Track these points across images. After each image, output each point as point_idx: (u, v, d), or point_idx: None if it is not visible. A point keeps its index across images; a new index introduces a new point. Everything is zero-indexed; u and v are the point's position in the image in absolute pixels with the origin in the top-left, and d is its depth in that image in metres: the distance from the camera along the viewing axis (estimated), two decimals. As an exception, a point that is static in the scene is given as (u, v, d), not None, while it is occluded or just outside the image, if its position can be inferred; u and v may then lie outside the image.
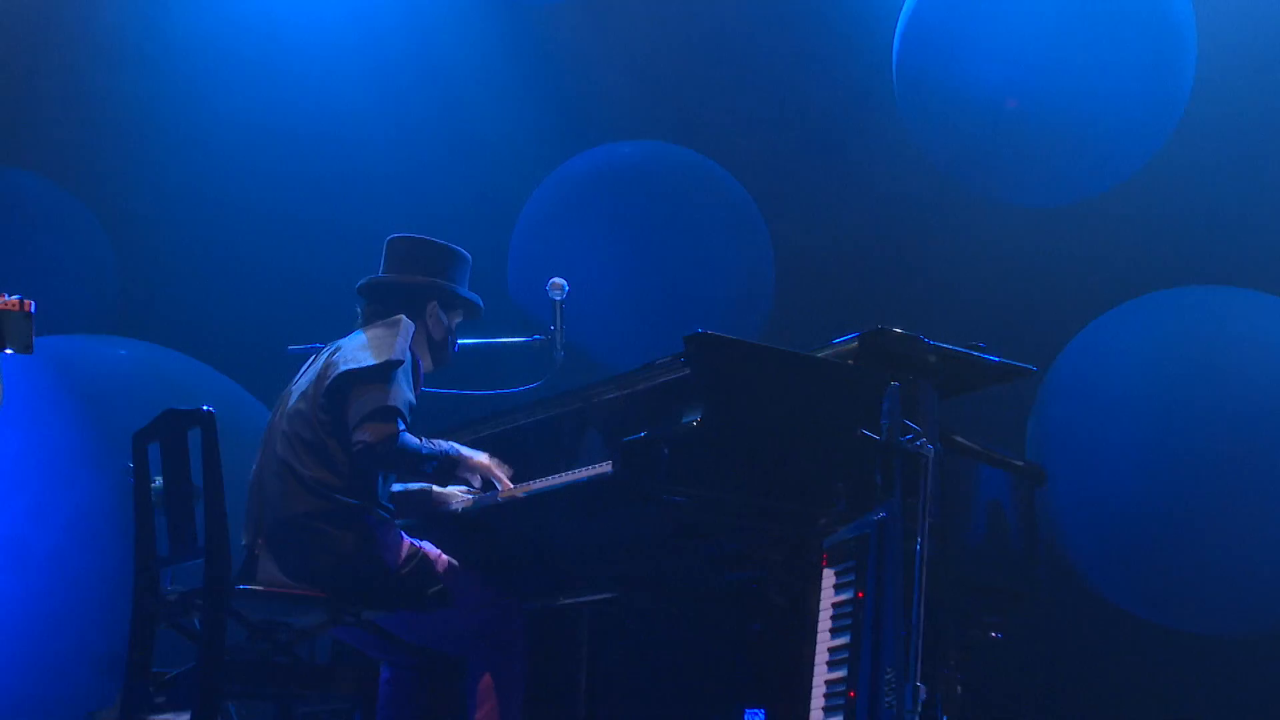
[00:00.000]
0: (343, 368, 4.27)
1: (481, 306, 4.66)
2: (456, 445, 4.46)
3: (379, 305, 4.52)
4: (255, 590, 4.19)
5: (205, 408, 4.12)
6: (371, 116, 7.21)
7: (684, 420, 4.03)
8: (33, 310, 3.41)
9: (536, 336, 4.92)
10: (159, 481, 4.35)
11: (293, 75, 7.17)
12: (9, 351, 3.41)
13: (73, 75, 6.89)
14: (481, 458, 4.45)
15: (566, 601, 4.55)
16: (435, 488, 4.61)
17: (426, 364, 4.58)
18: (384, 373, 4.25)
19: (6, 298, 3.38)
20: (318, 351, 4.56)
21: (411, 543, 4.33)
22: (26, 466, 6.07)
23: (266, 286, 6.93)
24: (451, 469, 4.39)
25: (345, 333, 4.55)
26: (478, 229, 7.02)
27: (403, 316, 4.41)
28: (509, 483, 4.44)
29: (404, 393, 4.28)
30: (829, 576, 3.73)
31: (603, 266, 7.01)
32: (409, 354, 4.35)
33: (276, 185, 7.09)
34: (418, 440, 4.30)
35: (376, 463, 4.23)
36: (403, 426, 4.24)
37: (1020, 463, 4.94)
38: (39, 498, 6.04)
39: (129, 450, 4.43)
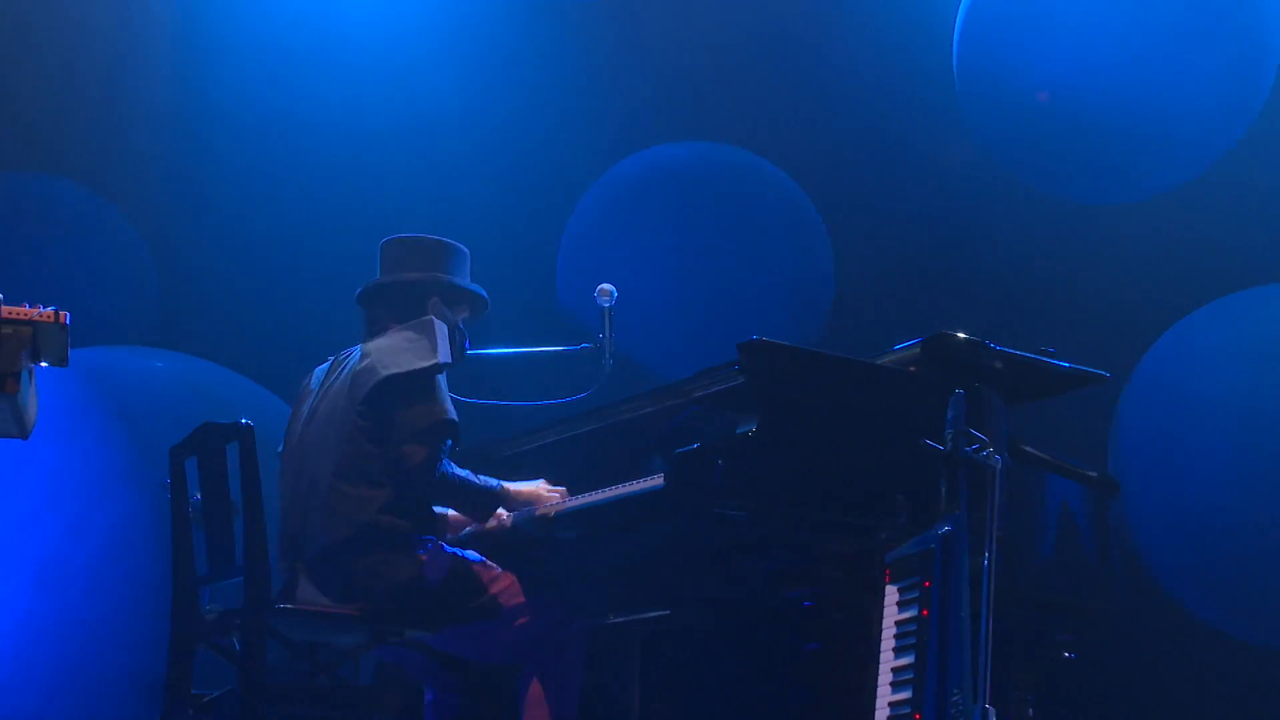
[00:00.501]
0: (383, 373, 4.25)
1: (485, 298, 4.63)
2: (503, 483, 4.42)
3: (381, 310, 4.50)
4: (296, 609, 4.21)
5: (244, 421, 4.15)
6: (415, 124, 7.23)
7: (738, 431, 4.04)
8: (68, 322, 3.47)
9: (584, 345, 4.92)
10: (197, 497, 4.39)
11: (335, 85, 7.21)
12: (44, 365, 3.48)
13: (112, 82, 6.98)
14: (527, 487, 4.43)
15: (618, 619, 4.57)
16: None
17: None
18: (430, 379, 4.25)
19: (42, 309, 3.45)
20: (340, 358, 4.54)
21: (455, 553, 4.33)
22: (63, 482, 6.15)
23: (306, 298, 6.98)
24: (491, 505, 4.37)
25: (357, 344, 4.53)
26: (526, 235, 7.06)
27: (432, 317, 4.39)
28: (554, 496, 4.43)
29: (449, 406, 4.28)
30: (891, 593, 3.72)
31: (654, 272, 7.01)
32: (450, 356, 4.35)
33: (317, 196, 7.13)
34: (463, 471, 4.31)
35: (419, 484, 4.25)
36: (449, 446, 4.24)
37: (1093, 473, 4.91)
38: (76, 514, 6.11)
39: (166, 465, 4.47)
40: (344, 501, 4.25)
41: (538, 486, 4.45)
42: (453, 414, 4.26)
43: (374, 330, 4.51)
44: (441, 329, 4.37)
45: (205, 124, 7.06)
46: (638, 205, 7.28)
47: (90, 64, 6.98)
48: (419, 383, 4.24)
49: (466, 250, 4.67)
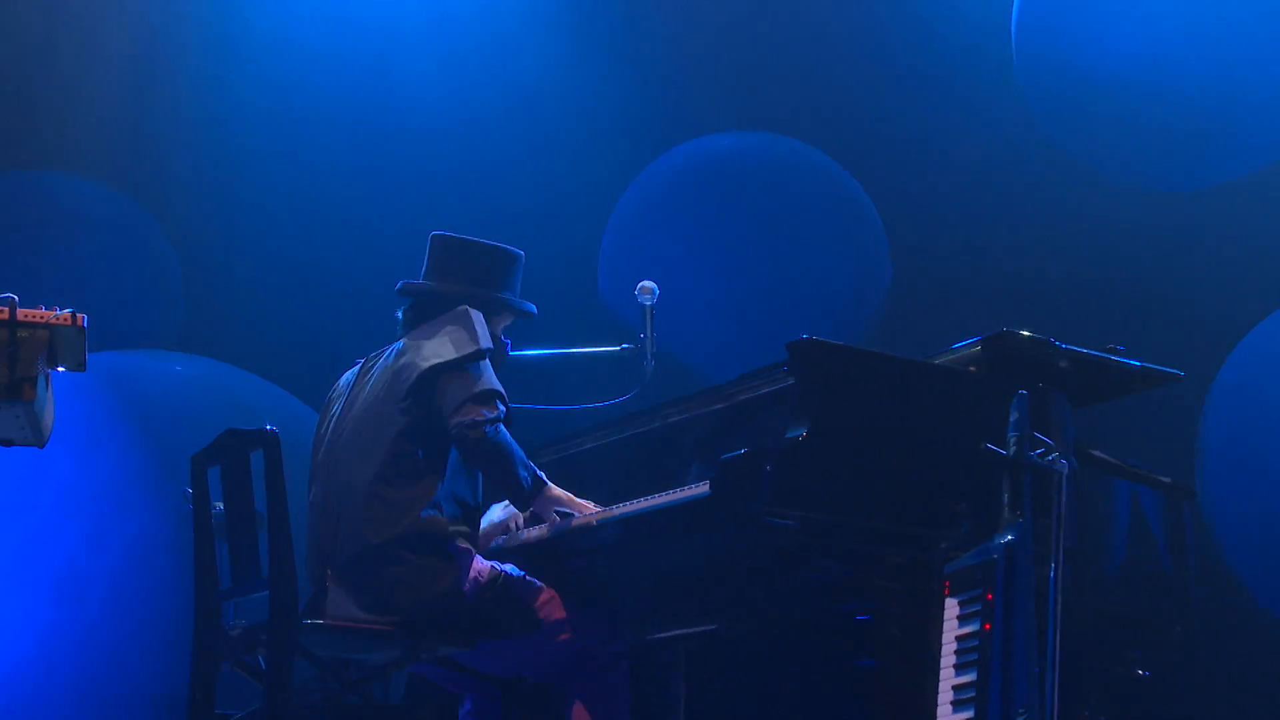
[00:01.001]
0: (424, 365, 4.30)
1: (534, 314, 4.67)
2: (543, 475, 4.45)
3: (420, 309, 4.54)
4: (324, 624, 4.23)
5: (269, 427, 4.16)
6: (451, 115, 7.27)
7: (788, 435, 4.04)
8: (85, 325, 3.47)
9: (625, 345, 4.93)
10: (220, 507, 4.41)
11: (370, 79, 7.26)
12: (61, 370, 3.49)
13: (138, 80, 7.09)
14: (564, 494, 4.45)
15: (662, 635, 4.56)
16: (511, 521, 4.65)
17: None
18: (474, 361, 4.30)
19: (59, 312, 3.46)
20: (369, 361, 4.57)
21: (493, 566, 4.35)
22: (80, 493, 6.20)
23: (335, 299, 7.02)
24: (535, 489, 4.39)
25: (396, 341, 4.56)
26: (566, 229, 7.07)
27: (468, 307, 4.44)
28: (590, 507, 4.45)
29: (496, 381, 4.33)
30: (952, 607, 3.71)
31: (700, 268, 7.02)
32: (493, 342, 4.40)
33: (350, 193, 7.18)
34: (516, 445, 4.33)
35: (477, 447, 4.25)
36: (504, 410, 4.28)
37: (1166, 479, 4.88)
38: (94, 525, 6.16)
39: (187, 474, 4.48)
40: (381, 506, 4.27)
41: (569, 496, 4.46)
42: (498, 386, 4.30)
43: (411, 323, 4.55)
44: (478, 316, 4.41)
45: (234, 119, 7.14)
46: (683, 199, 7.29)
47: (118, 62, 7.08)
48: (463, 364, 4.29)
49: (521, 254, 4.69)
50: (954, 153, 7.18)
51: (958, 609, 3.70)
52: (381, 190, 7.20)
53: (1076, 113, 6.83)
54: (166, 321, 7.08)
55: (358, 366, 4.63)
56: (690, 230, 7.18)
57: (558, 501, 4.44)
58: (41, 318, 3.43)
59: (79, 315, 3.45)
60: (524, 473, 4.35)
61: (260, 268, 7.16)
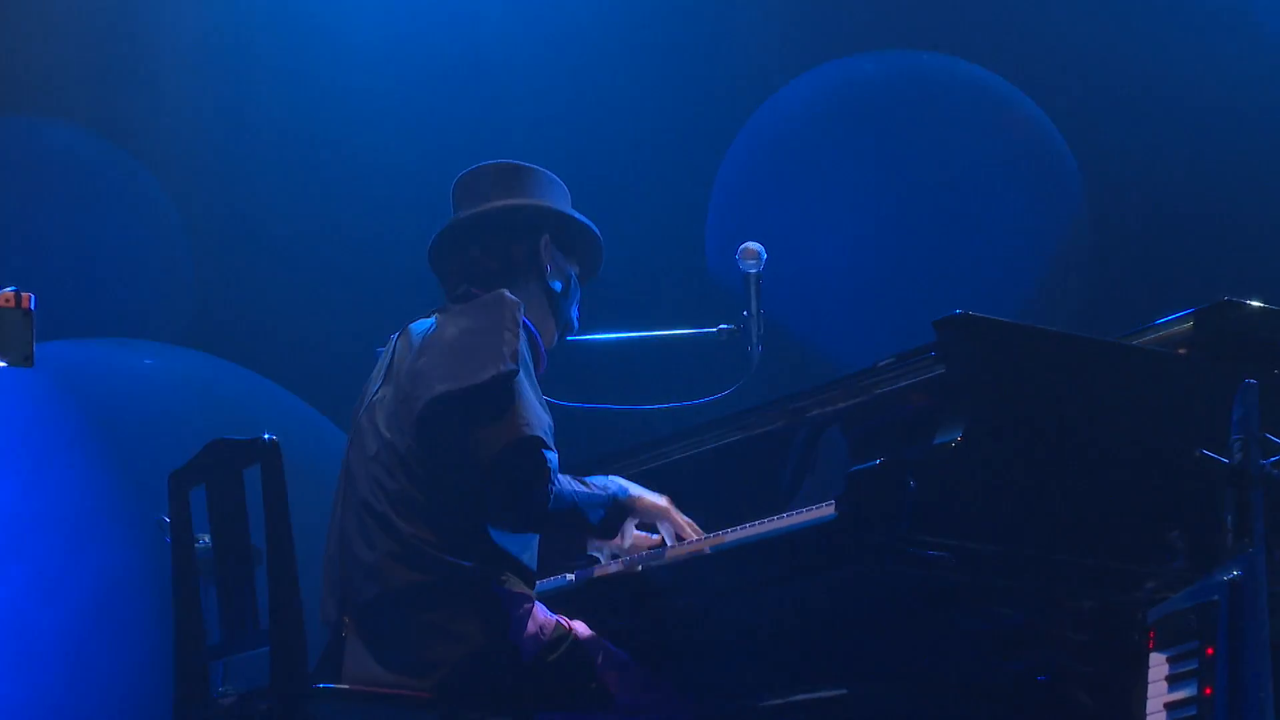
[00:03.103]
0: (439, 387, 4.26)
1: (600, 240, 4.64)
2: (620, 481, 4.46)
3: (462, 262, 4.53)
4: (340, 690, 4.21)
5: (266, 437, 4.16)
6: (516, 48, 7.39)
7: (938, 440, 4.02)
8: (32, 307, 3.47)
9: (723, 326, 4.90)
10: (206, 540, 4.41)
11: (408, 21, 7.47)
12: (2, 365, 3.48)
13: (139, 29, 7.48)
14: (659, 500, 4.46)
15: (774, 701, 4.53)
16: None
17: (547, 337, 4.57)
18: (500, 390, 4.24)
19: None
20: (392, 344, 4.57)
21: (558, 621, 4.34)
22: (28, 523, 6.25)
23: (351, 279, 7.14)
24: (620, 517, 4.39)
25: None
26: (666, 184, 7.10)
27: (504, 291, 4.39)
28: (693, 532, 4.44)
29: (535, 409, 4.27)
30: (1159, 665, 3.69)
31: (827, 228, 7.02)
32: (526, 349, 4.34)
33: (383, 146, 7.45)
34: (571, 489, 4.32)
35: (527, 527, 4.28)
36: (553, 463, 4.24)
37: None
38: (44, 565, 6.22)
39: (164, 497, 4.48)
40: (400, 540, 4.26)
41: (666, 501, 4.47)
42: (536, 426, 4.23)
43: (453, 295, 4.54)
44: (514, 307, 4.35)
45: (252, 84, 7.49)
46: (813, 140, 7.26)
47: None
48: (482, 398, 4.23)
49: (565, 187, 4.70)
50: (1168, 83, 7.20)
51: (1167, 667, 3.69)
52: (420, 135, 7.42)
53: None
54: (172, 308, 7.21)
55: (398, 336, 4.59)
56: (818, 181, 7.16)
57: (657, 512, 4.44)
58: (-26, 299, 3.42)
59: (25, 295, 3.44)
60: (594, 517, 4.36)
61: (260, 237, 7.37)
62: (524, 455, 4.20)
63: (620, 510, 4.41)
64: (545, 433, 4.25)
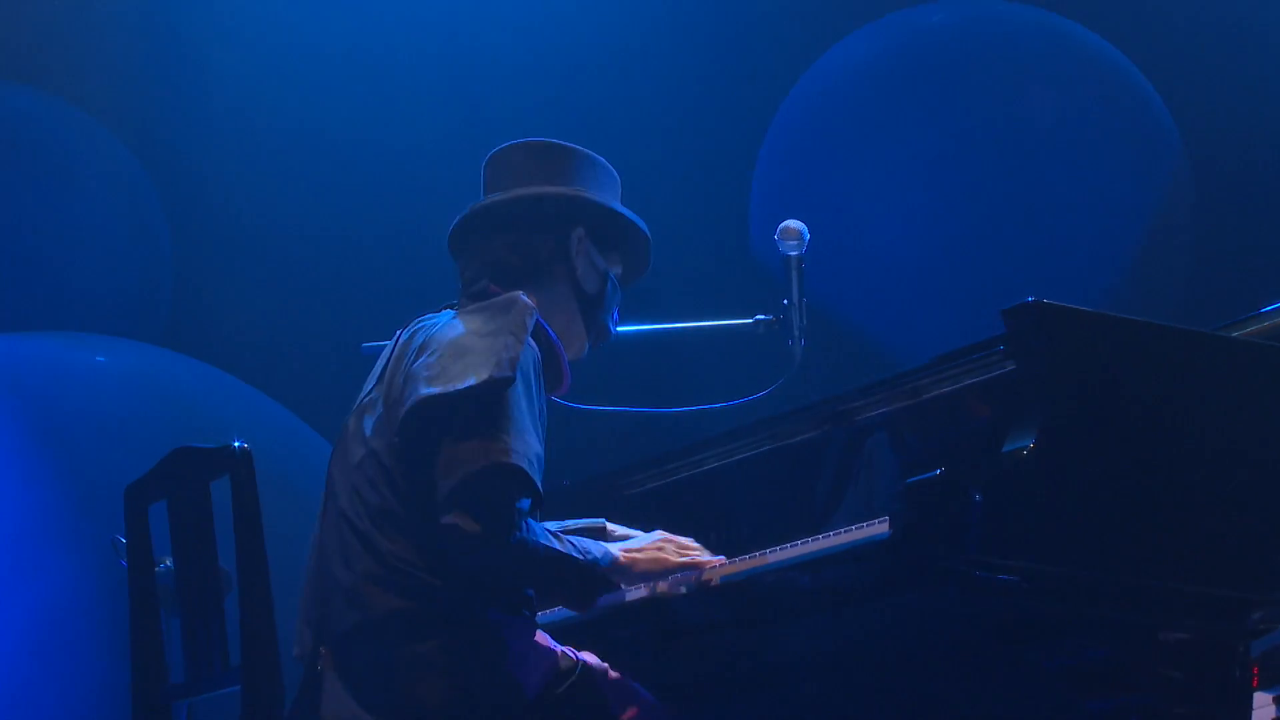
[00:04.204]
0: (424, 390, 4.23)
1: (647, 235, 4.60)
2: (606, 545, 4.38)
3: (487, 260, 4.49)
4: (320, 733, 4.21)
5: (237, 444, 4.16)
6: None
7: (1007, 448, 3.99)
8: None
9: (761, 317, 4.90)
10: (168, 564, 4.41)
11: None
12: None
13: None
14: (649, 543, 4.40)
15: (820, 747, 4.59)
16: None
17: (575, 346, 4.54)
18: (488, 400, 4.18)
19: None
20: (395, 343, 4.54)
21: (565, 652, 4.32)
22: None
23: (338, 274, 7.19)
24: (597, 590, 4.31)
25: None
26: (699, 153, 7.09)
27: (519, 294, 4.37)
28: (712, 558, 4.41)
29: (525, 433, 4.20)
30: (1265, 704, 3.80)
31: (887, 201, 6.99)
32: (531, 360, 4.30)
33: (405, 130, 7.69)
34: (542, 534, 4.23)
35: (473, 561, 4.18)
36: (526, 506, 4.17)
37: None
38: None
39: (119, 514, 4.45)
40: (382, 561, 4.24)
41: (657, 541, 4.42)
42: (520, 454, 4.16)
43: (469, 291, 4.51)
44: (526, 311, 4.31)
45: (250, 81, 7.78)
46: (869, 103, 7.30)
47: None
48: (471, 405, 4.18)
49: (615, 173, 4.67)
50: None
51: (1274, 708, 3.81)
52: (431, 141, 7.49)
53: None
54: (136, 299, 7.28)
55: (404, 331, 4.56)
56: (873, 149, 7.21)
57: (648, 565, 4.37)
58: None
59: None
60: (566, 581, 4.26)
61: (238, 220, 7.58)
62: (495, 488, 4.13)
63: (598, 584, 4.31)
64: (530, 465, 4.17)
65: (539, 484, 4.18)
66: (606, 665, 4.36)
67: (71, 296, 7.06)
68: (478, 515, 4.11)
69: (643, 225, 4.59)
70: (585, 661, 4.32)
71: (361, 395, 4.51)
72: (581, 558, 4.27)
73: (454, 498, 4.12)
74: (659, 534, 4.46)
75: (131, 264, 7.39)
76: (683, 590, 4.37)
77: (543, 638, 4.31)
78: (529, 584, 4.31)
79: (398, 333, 4.57)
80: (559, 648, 4.32)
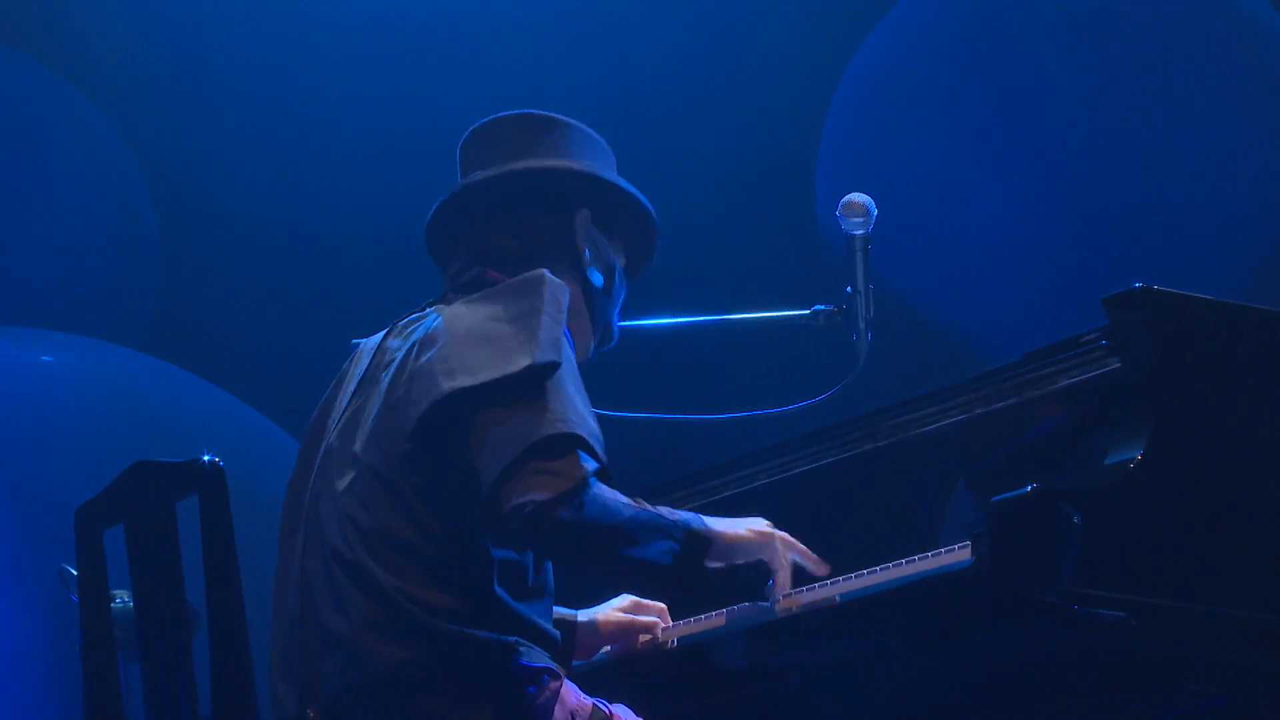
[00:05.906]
0: (445, 385, 4.25)
1: (653, 215, 4.63)
2: (700, 516, 4.37)
3: (476, 246, 4.54)
4: (307, 803, 4.23)
5: (207, 459, 4.18)
6: None
7: (1110, 460, 4.03)
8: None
9: (819, 308, 4.91)
10: (125, 599, 4.43)
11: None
12: None
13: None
14: (761, 525, 4.37)
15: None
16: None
17: (581, 346, 4.56)
18: (531, 383, 4.22)
19: None
20: (397, 329, 4.57)
21: (596, 705, 4.33)
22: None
23: (325, 270, 7.20)
24: (700, 553, 4.30)
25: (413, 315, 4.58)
26: (749, 119, 7.14)
27: (544, 270, 4.38)
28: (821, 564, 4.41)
29: (579, 409, 4.22)
30: None
31: (969, 175, 7.01)
32: (570, 345, 4.33)
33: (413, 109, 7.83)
34: (626, 499, 4.25)
35: (553, 545, 4.22)
36: (594, 467, 4.17)
37: None
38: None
39: (68, 540, 4.46)
40: (389, 603, 4.25)
41: (767, 526, 4.39)
42: (577, 425, 4.19)
43: (458, 282, 4.54)
44: (557, 290, 4.35)
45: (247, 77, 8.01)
46: (952, 61, 7.32)
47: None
48: (511, 391, 4.21)
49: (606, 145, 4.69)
50: None
51: None
52: (429, 135, 7.52)
53: None
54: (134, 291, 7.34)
55: (381, 335, 4.60)
56: (954, 115, 7.18)
57: (762, 544, 4.35)
58: None
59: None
60: (659, 546, 4.25)
61: (222, 209, 7.73)
62: (556, 454, 4.14)
63: (700, 544, 4.28)
64: (591, 436, 4.20)
65: (597, 448, 4.17)
66: (638, 717, 4.37)
67: (20, 287, 7.12)
68: (544, 483, 4.11)
69: (649, 205, 4.63)
70: (615, 714, 4.33)
71: (334, 415, 4.52)
72: (670, 517, 4.28)
73: (509, 474, 4.11)
74: (761, 520, 4.41)
75: (113, 256, 7.42)
76: (753, 624, 4.36)
77: (571, 689, 4.31)
78: (610, 560, 4.25)
79: (359, 342, 4.63)
80: (589, 700, 4.33)
